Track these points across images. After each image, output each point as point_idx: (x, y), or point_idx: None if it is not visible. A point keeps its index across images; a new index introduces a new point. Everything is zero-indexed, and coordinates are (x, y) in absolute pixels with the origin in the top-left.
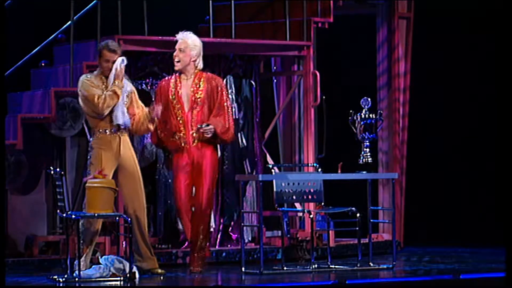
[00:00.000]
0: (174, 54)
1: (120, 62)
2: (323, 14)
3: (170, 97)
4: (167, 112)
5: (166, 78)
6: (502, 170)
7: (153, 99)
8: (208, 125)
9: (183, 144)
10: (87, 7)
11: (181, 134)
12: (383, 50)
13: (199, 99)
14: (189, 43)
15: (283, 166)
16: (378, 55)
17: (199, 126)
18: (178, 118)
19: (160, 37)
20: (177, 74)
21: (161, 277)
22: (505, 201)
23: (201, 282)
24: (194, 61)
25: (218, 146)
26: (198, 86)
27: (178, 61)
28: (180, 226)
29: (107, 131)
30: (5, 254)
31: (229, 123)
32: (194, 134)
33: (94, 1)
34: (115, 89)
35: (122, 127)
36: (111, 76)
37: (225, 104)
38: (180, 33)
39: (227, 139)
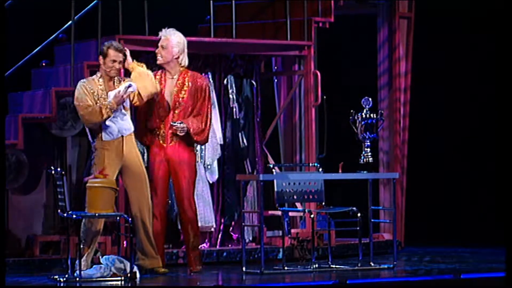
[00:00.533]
0: (156, 51)
1: (127, 87)
2: (324, 14)
3: None
4: (150, 108)
5: (153, 72)
6: (502, 170)
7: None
8: (181, 123)
9: (161, 142)
10: (88, 7)
11: (160, 132)
12: (384, 50)
13: (181, 99)
14: (171, 40)
15: (284, 166)
16: (379, 55)
17: (171, 124)
18: (160, 116)
19: None
20: (162, 71)
21: (163, 275)
22: (505, 201)
23: (202, 282)
24: (177, 58)
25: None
26: (182, 86)
27: (160, 58)
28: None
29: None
30: (5, 254)
31: (205, 124)
32: (173, 134)
33: (95, 1)
34: (102, 108)
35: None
36: (112, 93)
37: (206, 105)
38: (163, 30)
39: (199, 140)
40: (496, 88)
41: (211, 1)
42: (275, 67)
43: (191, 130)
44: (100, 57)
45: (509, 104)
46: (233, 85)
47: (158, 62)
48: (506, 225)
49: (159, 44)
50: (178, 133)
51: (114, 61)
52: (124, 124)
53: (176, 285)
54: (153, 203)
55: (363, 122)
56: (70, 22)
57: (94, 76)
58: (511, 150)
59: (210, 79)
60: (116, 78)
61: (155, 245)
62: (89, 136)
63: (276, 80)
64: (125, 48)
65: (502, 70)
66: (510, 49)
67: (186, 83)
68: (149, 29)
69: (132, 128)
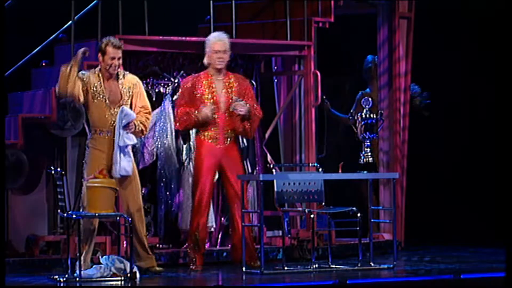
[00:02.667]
0: (217, 56)
1: (128, 123)
2: (323, 14)
3: (205, 96)
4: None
5: (192, 76)
6: (502, 170)
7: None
8: (244, 102)
9: (213, 144)
10: (88, 7)
11: (213, 134)
12: (384, 49)
13: (231, 100)
14: (227, 44)
15: (284, 166)
16: (378, 54)
17: (235, 98)
18: (213, 118)
19: (160, 37)
20: (206, 74)
21: (160, 273)
22: (505, 201)
23: (202, 282)
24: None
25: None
26: (230, 86)
27: (222, 62)
28: (184, 226)
29: (102, 132)
30: (5, 254)
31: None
32: (226, 134)
33: (95, 1)
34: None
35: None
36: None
37: (254, 102)
38: (217, 34)
39: (252, 128)
40: (497, 88)
41: (211, 1)
42: (275, 67)
43: (252, 111)
44: (99, 55)
45: (509, 104)
46: None
47: (221, 66)
48: (506, 225)
49: (218, 49)
50: (238, 109)
51: (113, 58)
52: (124, 163)
53: (176, 285)
54: (196, 204)
55: (363, 122)
56: (70, 22)
57: (95, 69)
58: (511, 150)
59: None
60: (116, 75)
61: (147, 245)
62: (88, 134)
63: (276, 80)
64: None
65: (503, 70)
66: (511, 49)
67: (232, 84)
68: (149, 29)
69: (129, 173)
